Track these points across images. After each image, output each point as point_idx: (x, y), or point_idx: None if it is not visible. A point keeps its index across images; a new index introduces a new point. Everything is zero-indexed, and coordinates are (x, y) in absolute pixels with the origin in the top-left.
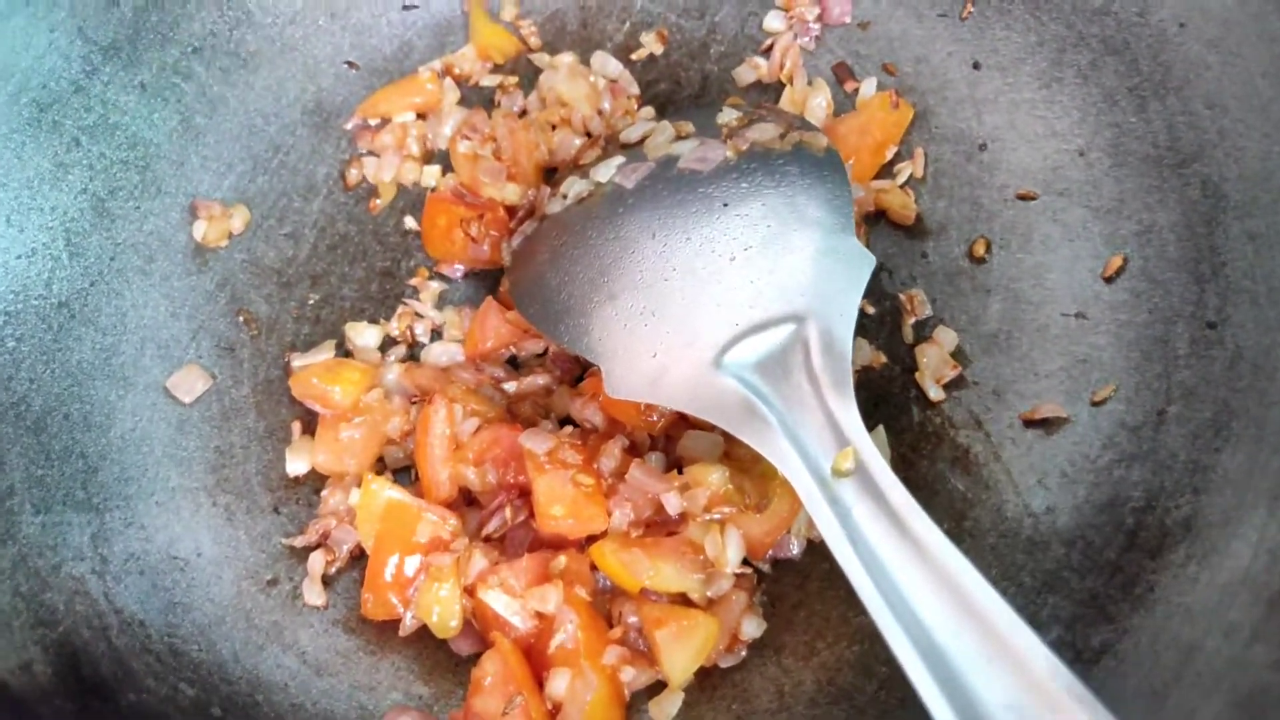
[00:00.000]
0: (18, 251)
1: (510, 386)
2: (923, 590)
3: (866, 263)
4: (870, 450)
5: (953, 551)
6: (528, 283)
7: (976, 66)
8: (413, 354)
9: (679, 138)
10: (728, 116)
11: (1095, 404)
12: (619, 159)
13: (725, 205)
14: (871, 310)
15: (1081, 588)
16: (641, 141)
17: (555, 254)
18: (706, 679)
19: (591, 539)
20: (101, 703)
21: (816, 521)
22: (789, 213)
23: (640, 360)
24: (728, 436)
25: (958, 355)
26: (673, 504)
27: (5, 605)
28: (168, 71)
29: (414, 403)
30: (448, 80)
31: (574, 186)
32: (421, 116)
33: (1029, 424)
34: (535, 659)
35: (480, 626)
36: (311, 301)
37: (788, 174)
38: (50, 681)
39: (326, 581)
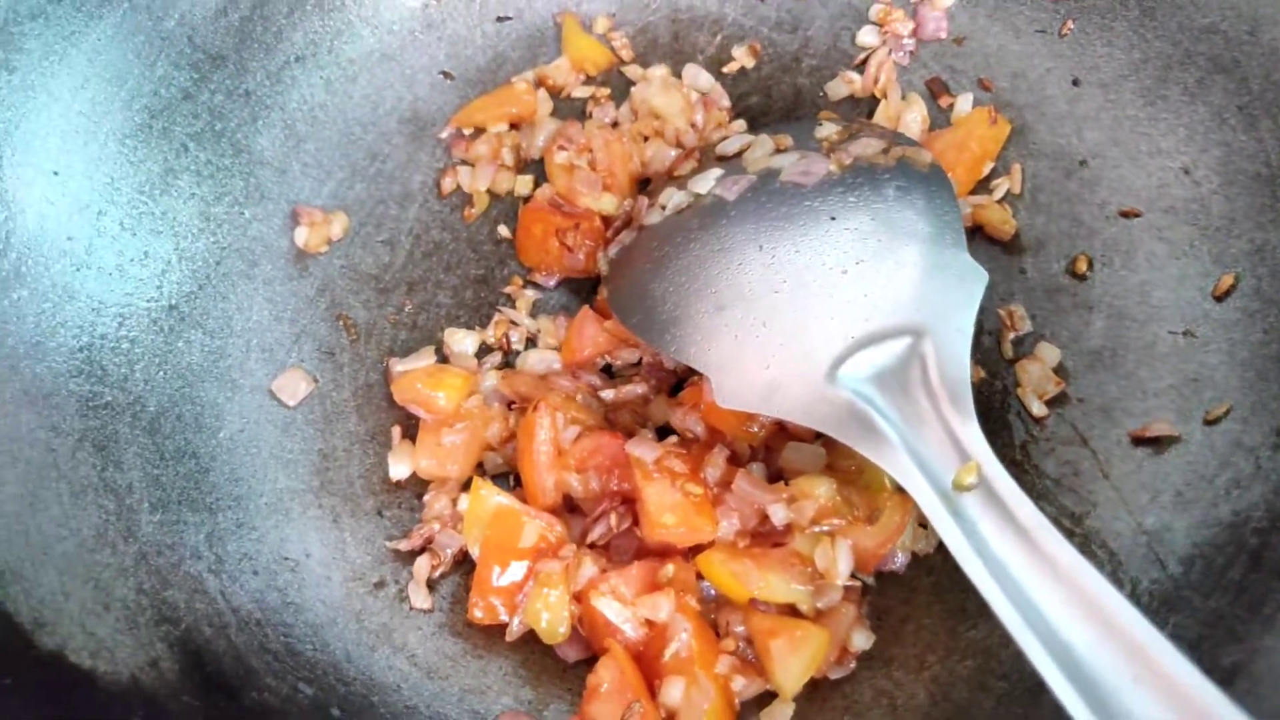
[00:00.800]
0: (131, 255)
1: (608, 394)
2: (1059, 606)
3: (979, 278)
4: (994, 465)
5: (1087, 567)
6: (628, 292)
7: (1076, 83)
8: (508, 361)
9: (778, 151)
10: (827, 131)
11: (1209, 423)
12: (717, 171)
13: (833, 219)
14: None
15: (1205, 607)
16: (739, 154)
17: (657, 264)
18: (816, 690)
19: (697, 549)
20: (227, 700)
21: (943, 537)
22: (898, 227)
23: (751, 371)
24: (830, 448)
25: (1060, 371)
26: (779, 515)
27: (130, 602)
28: (272, 80)
29: (512, 409)
30: (541, 91)
31: (672, 198)
32: (515, 127)
33: (1138, 442)
34: (644, 667)
35: (588, 633)
36: (408, 308)
37: (894, 189)
38: (177, 678)
39: (431, 585)
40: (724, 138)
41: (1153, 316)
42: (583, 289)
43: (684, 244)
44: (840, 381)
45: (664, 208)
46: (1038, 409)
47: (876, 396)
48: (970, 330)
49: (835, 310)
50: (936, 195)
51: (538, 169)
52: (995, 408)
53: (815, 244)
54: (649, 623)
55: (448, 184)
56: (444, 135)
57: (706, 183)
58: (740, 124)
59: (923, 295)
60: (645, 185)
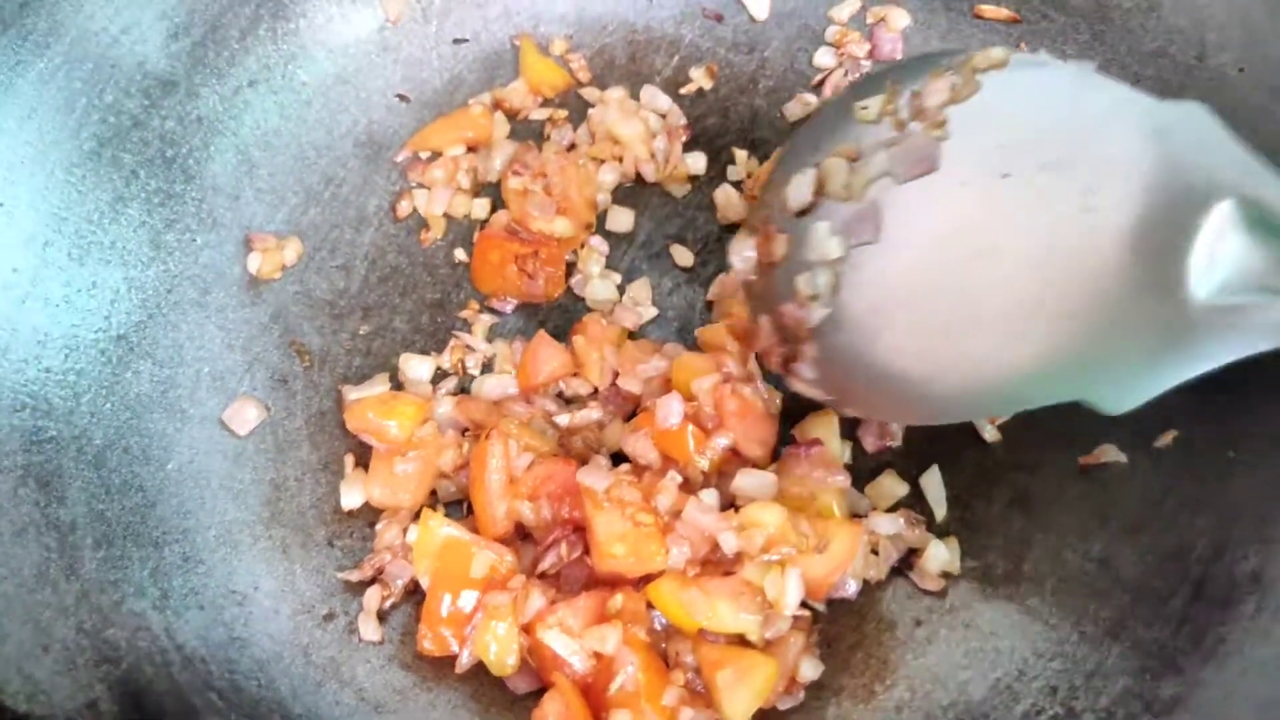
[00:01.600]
0: (79, 285)
1: (563, 419)
2: None
3: (1193, 105)
4: None
5: None
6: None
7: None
8: (464, 386)
9: (850, 162)
10: (872, 108)
11: (1158, 450)
12: (823, 225)
13: (1006, 176)
14: None
15: (1149, 637)
16: (816, 199)
17: (872, 341)
18: None
19: (647, 578)
20: None
21: None
22: (1074, 113)
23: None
24: (783, 473)
25: None
26: (729, 543)
27: (70, 643)
28: (224, 105)
29: (466, 435)
30: (498, 114)
31: (818, 281)
32: (471, 150)
33: (1088, 468)
34: (592, 699)
35: (537, 665)
36: (363, 333)
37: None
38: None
39: (381, 616)
40: (768, 190)
41: None
42: (539, 312)
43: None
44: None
45: (815, 298)
46: (990, 434)
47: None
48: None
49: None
50: (1034, 74)
51: (494, 192)
52: (949, 432)
53: (1018, 195)
54: (597, 655)
55: (403, 208)
56: (400, 159)
57: (828, 246)
58: (697, 158)
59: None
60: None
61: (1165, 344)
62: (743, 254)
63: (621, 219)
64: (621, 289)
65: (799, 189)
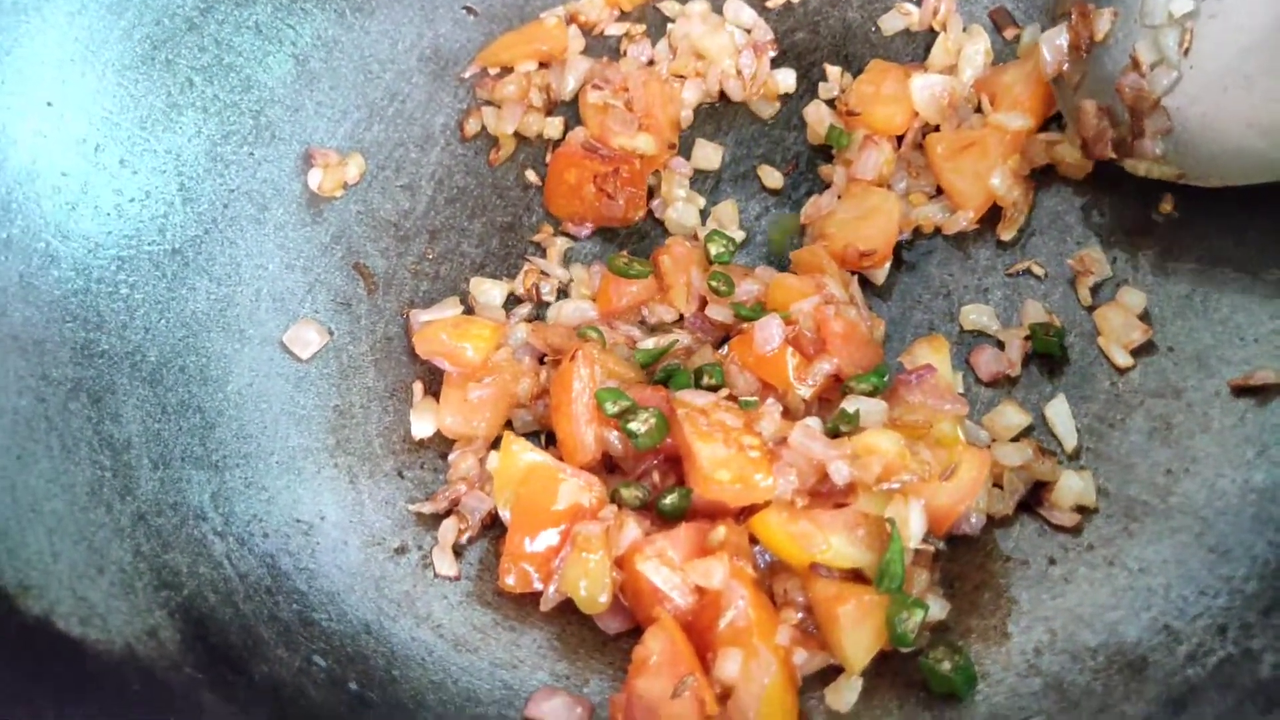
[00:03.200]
0: (131, 194)
1: (648, 344)
2: None
3: None
4: None
5: None
6: None
7: None
8: (538, 313)
9: None
10: None
11: None
12: None
13: None
14: (1040, 271)
15: None
16: None
17: None
18: (885, 664)
19: (750, 510)
20: (234, 673)
21: None
22: None
23: None
24: (893, 400)
25: (1146, 318)
26: (842, 472)
27: (127, 565)
28: (282, 12)
29: (543, 363)
30: (572, 28)
31: (1155, 45)
32: (544, 65)
33: (1240, 392)
34: (695, 637)
35: (631, 602)
36: (430, 257)
37: None
38: (178, 648)
39: (457, 551)
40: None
41: (1249, 256)
42: (616, 238)
43: None
44: None
45: (1160, 63)
46: (1122, 359)
47: None
48: None
49: None
50: None
51: (568, 110)
52: (1075, 359)
53: None
54: (700, 590)
55: (472, 126)
56: (468, 75)
57: (1176, 2)
58: (785, 73)
59: None
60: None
61: None
62: (1054, 42)
63: (709, 155)
64: (705, 213)
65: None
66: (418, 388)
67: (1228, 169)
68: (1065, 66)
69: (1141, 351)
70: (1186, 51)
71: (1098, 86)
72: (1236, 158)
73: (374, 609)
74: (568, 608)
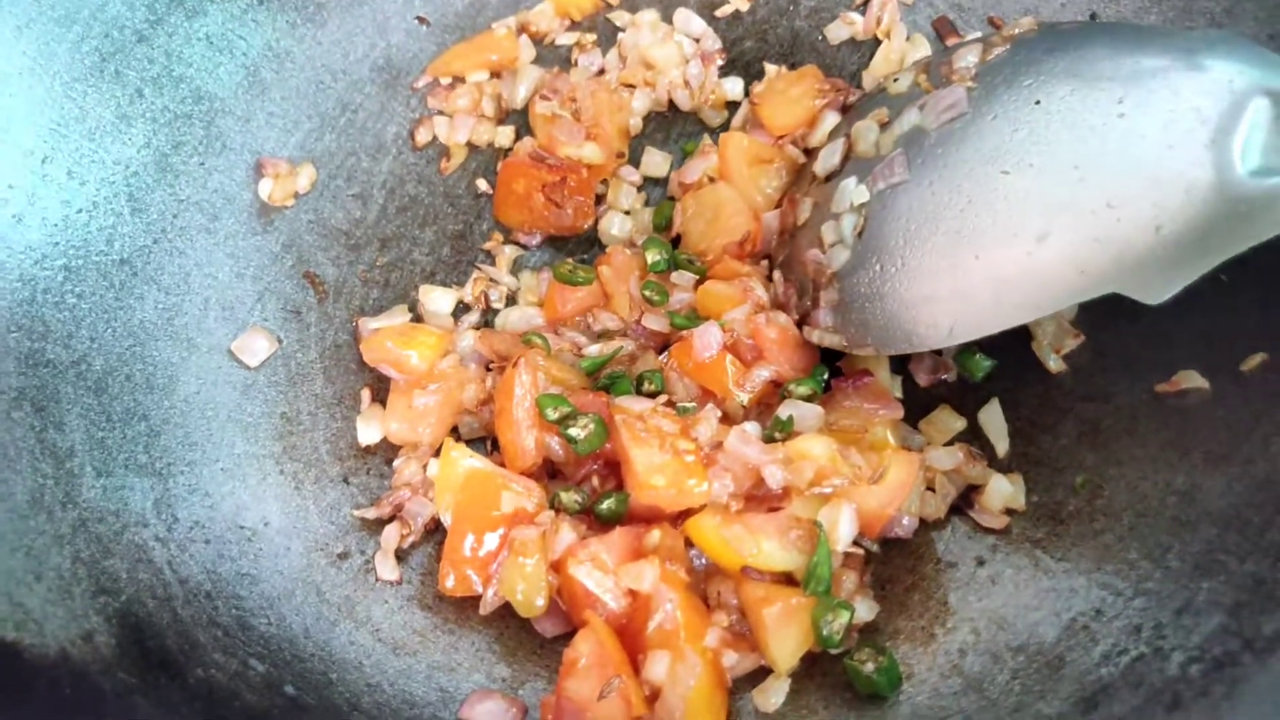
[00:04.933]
0: (79, 205)
1: (592, 350)
2: None
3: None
4: None
5: None
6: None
7: (1094, 18)
8: (486, 320)
9: (882, 126)
10: (903, 81)
11: (1244, 375)
12: (851, 181)
13: (1037, 102)
14: None
15: (1243, 571)
16: (846, 157)
17: (887, 277)
18: (814, 665)
19: (685, 515)
20: (168, 678)
21: None
22: (1104, 51)
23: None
24: (830, 405)
25: (1077, 324)
26: (775, 476)
27: (65, 571)
28: (234, 23)
29: (490, 369)
30: (523, 38)
31: (845, 229)
32: (495, 75)
33: (1165, 397)
34: (627, 640)
35: (567, 605)
36: (380, 264)
37: (1042, 50)
38: (113, 653)
39: (400, 556)
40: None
41: None
42: (565, 246)
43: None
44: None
45: (838, 243)
46: (1054, 364)
47: None
48: None
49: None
50: (1067, 30)
51: (519, 120)
52: (1009, 364)
53: (1049, 117)
54: (632, 593)
55: (423, 135)
56: (420, 85)
57: (855, 194)
58: (734, 83)
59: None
60: (636, 140)
61: (1205, 224)
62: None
63: (658, 163)
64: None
65: (828, 156)
66: (365, 395)
67: (879, 339)
68: (774, 243)
69: (1073, 356)
70: (861, 234)
71: (792, 263)
72: (885, 329)
73: (314, 613)
74: (506, 611)
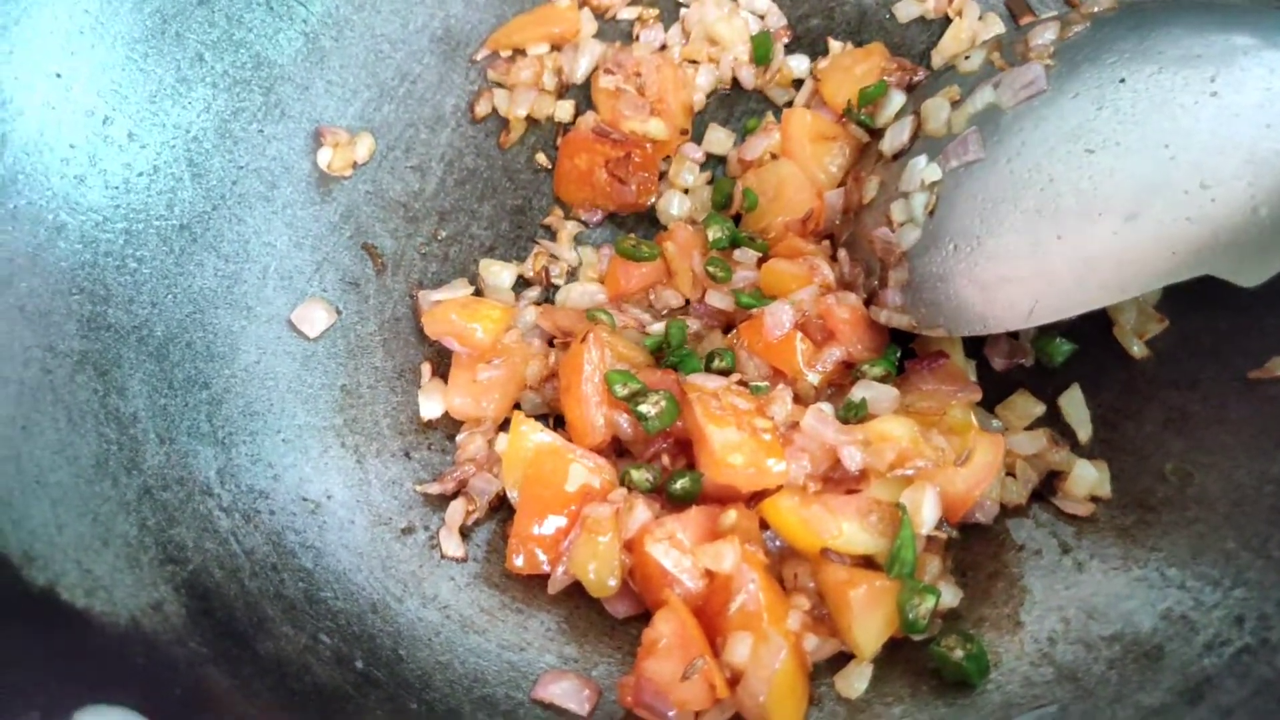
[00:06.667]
0: (140, 168)
1: (656, 328)
2: None
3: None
4: None
5: None
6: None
7: None
8: (547, 296)
9: (953, 104)
10: (975, 60)
11: None
12: (922, 157)
13: (1122, 81)
14: None
15: None
16: (914, 136)
17: (966, 255)
18: (897, 652)
19: (760, 496)
20: (238, 649)
21: None
22: (1184, 31)
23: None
24: (907, 387)
25: (1162, 308)
26: (854, 458)
27: (132, 539)
28: None
29: (553, 346)
30: (585, 10)
31: (915, 207)
32: (556, 48)
33: (1258, 383)
34: (705, 622)
35: (640, 586)
36: (439, 238)
37: (1124, 26)
38: (183, 622)
39: (464, 533)
40: (867, 127)
41: None
42: (624, 224)
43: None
44: None
45: (909, 222)
46: (1138, 350)
47: None
48: None
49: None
50: (1150, 8)
51: (579, 94)
52: (1090, 349)
53: (1135, 95)
54: (709, 574)
55: (482, 108)
56: (479, 57)
57: (926, 171)
58: (798, 59)
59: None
60: (699, 116)
61: None
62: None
63: (721, 140)
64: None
65: (896, 133)
66: (426, 368)
67: (952, 319)
68: (837, 222)
69: (1157, 342)
70: (932, 213)
71: (857, 241)
72: (959, 309)
73: (380, 588)
74: (575, 591)
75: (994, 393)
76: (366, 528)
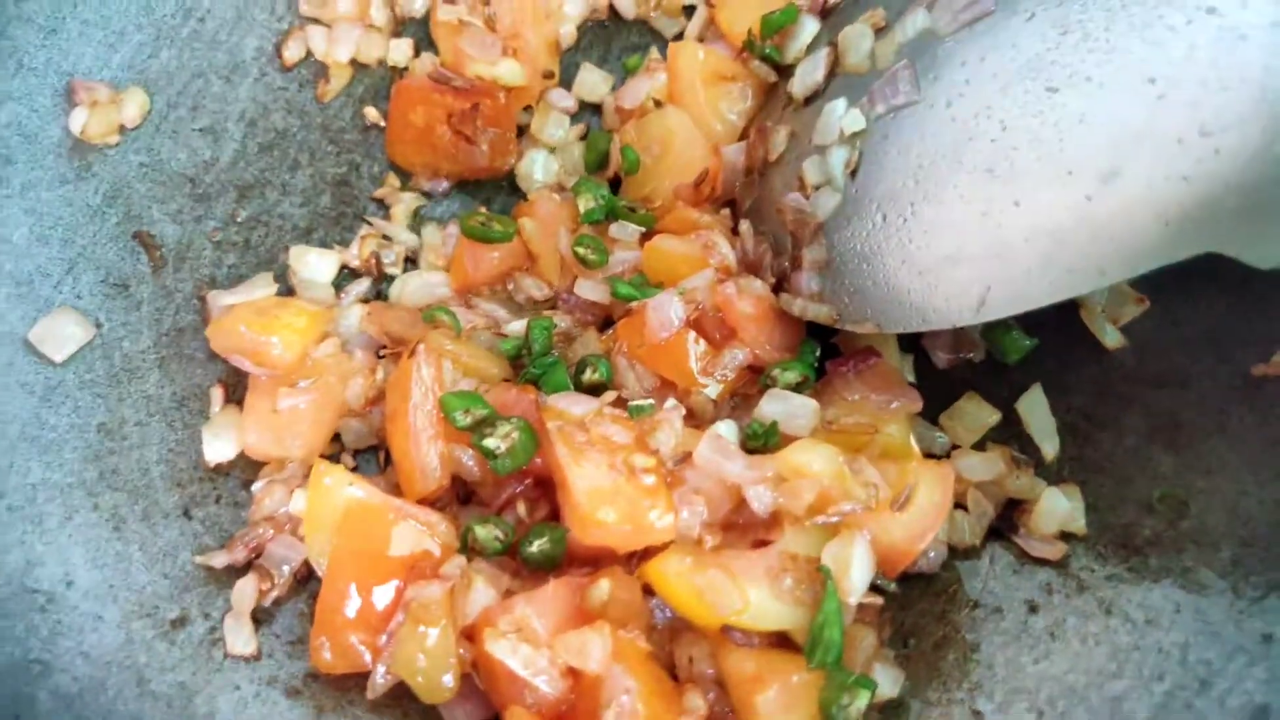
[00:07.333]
0: None
1: (515, 327)
2: None
3: None
4: None
5: None
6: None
7: None
8: (378, 291)
9: (878, 32)
10: None
11: None
12: (840, 105)
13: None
14: None
15: None
16: (831, 73)
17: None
18: None
19: (645, 552)
20: None
21: None
22: None
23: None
24: (826, 397)
25: (1140, 285)
26: (763, 499)
27: None
28: None
29: (382, 357)
30: None
31: (832, 163)
32: None
33: (1264, 381)
34: None
35: (486, 685)
36: (239, 220)
37: None
38: None
39: (260, 619)
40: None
41: None
42: (479, 193)
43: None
44: None
45: (826, 184)
46: (1112, 338)
47: None
48: None
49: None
50: None
51: (418, 30)
52: (1054, 339)
53: (1129, 12)
54: (573, 671)
55: (293, 51)
56: None
57: (846, 120)
58: None
59: None
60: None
61: None
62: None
63: (596, 84)
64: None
65: (808, 72)
66: (216, 394)
67: (883, 312)
68: (738, 186)
69: (1136, 328)
70: (854, 173)
71: (763, 210)
72: (891, 298)
73: (132, 713)
74: (403, 693)
75: (937, 397)
76: (120, 624)
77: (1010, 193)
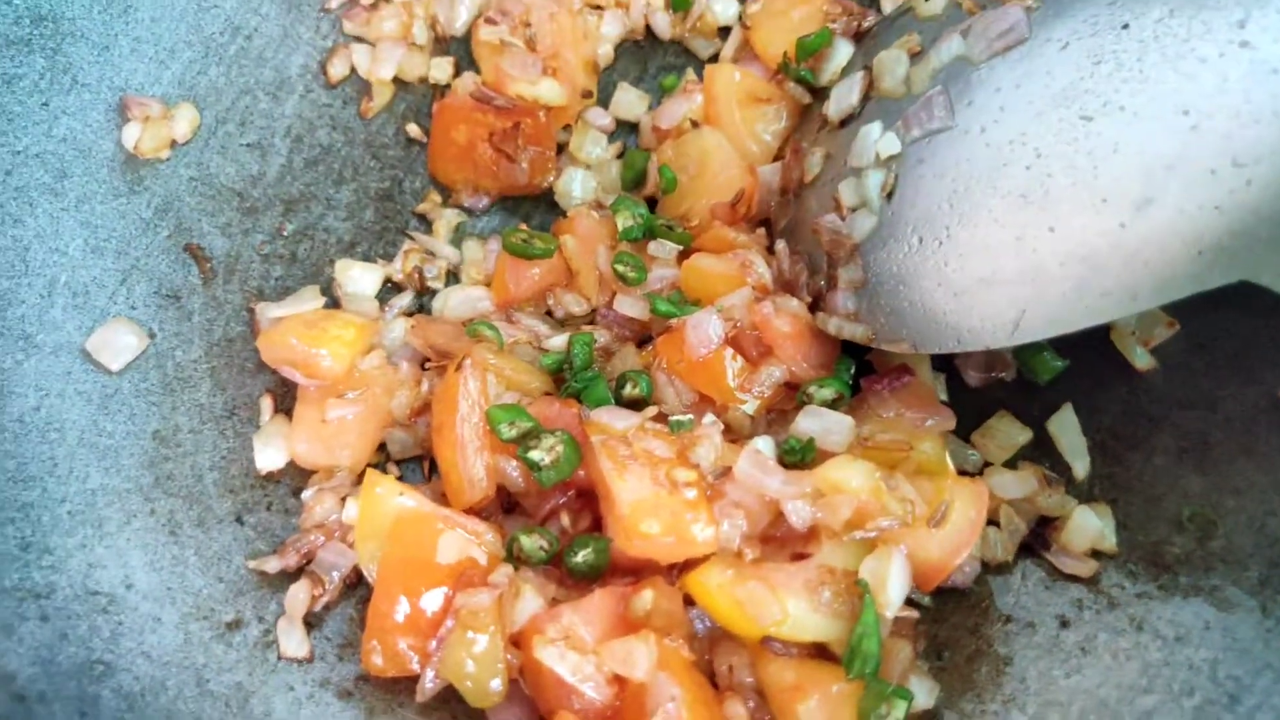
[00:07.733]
0: None
1: (557, 341)
2: None
3: None
4: None
5: None
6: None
7: None
8: (421, 304)
9: (913, 57)
10: (937, 3)
11: None
12: (876, 126)
13: (1125, 27)
14: None
15: None
16: (866, 97)
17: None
18: None
19: (687, 564)
20: None
21: None
22: None
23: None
24: (861, 413)
25: (1170, 309)
26: (801, 514)
27: None
28: None
29: (426, 369)
30: None
31: (868, 185)
32: None
33: None
34: None
35: (533, 690)
36: (285, 234)
37: None
38: None
39: (311, 623)
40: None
41: None
42: (518, 209)
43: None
44: None
45: (861, 207)
46: (1143, 360)
47: None
48: None
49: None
50: None
51: (459, 49)
52: (1086, 360)
53: (1142, 45)
54: (619, 679)
55: (338, 69)
56: (334, 3)
57: (882, 143)
58: (726, 3)
59: None
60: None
61: None
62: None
63: (633, 103)
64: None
65: (843, 95)
66: (266, 404)
67: (919, 332)
68: (774, 205)
69: (1165, 350)
70: (890, 196)
71: (799, 230)
72: (926, 319)
73: (192, 712)
74: (451, 696)
75: (969, 415)
76: (178, 625)
77: (1045, 219)
